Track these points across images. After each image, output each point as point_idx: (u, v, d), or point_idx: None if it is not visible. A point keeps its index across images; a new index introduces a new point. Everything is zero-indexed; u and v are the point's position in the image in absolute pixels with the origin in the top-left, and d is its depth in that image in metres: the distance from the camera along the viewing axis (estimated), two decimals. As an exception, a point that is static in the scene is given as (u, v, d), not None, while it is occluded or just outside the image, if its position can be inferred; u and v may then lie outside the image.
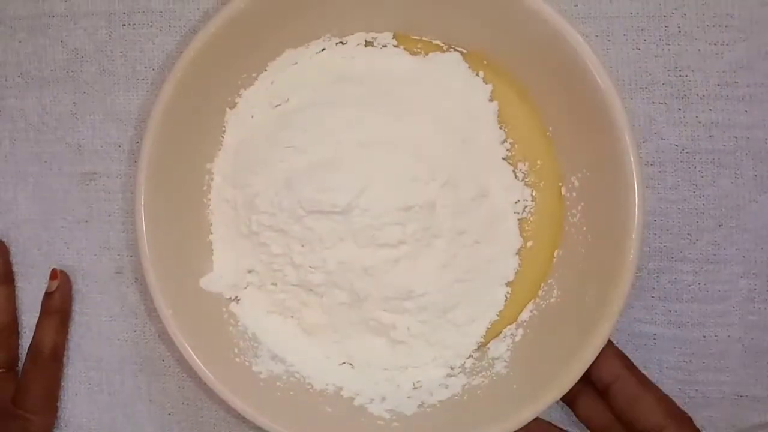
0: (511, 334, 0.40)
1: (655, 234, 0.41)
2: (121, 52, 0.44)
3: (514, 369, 0.38)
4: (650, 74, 0.40)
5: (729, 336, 0.40)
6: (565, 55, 0.34)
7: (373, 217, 0.37)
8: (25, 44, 0.45)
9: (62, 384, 0.45)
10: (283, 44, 0.39)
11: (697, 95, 0.40)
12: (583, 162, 0.37)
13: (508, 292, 0.40)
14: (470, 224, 0.38)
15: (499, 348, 0.39)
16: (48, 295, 0.44)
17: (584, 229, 0.38)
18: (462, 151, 0.38)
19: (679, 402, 0.40)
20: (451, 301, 0.39)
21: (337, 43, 0.40)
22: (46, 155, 0.46)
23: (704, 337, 0.41)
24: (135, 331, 0.45)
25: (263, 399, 0.37)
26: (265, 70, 0.40)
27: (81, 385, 0.46)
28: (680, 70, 0.40)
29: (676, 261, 0.41)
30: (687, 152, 0.40)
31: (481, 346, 0.40)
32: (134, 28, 0.44)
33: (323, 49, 0.40)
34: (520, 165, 0.40)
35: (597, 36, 0.40)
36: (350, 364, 0.41)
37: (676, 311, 0.41)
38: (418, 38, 0.40)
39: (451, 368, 0.40)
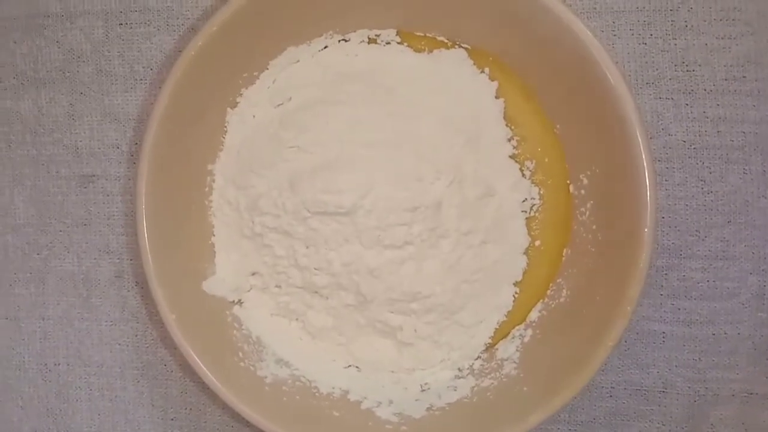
0: (520, 335, 0.39)
1: (663, 231, 0.40)
2: (118, 52, 0.44)
3: (523, 370, 0.37)
4: (657, 69, 0.40)
5: (739, 333, 0.40)
6: (573, 51, 0.34)
7: (378, 218, 0.36)
8: (20, 45, 0.45)
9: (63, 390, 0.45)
10: (285, 42, 0.39)
11: (705, 90, 0.40)
12: (591, 159, 0.37)
13: (516, 292, 0.39)
14: (477, 224, 0.38)
15: (508, 349, 0.39)
16: None
17: (594, 227, 0.37)
18: (468, 149, 0.38)
19: (689, 400, 0.40)
20: (458, 302, 0.38)
21: (339, 41, 0.39)
22: (43, 158, 0.45)
23: (714, 334, 0.40)
24: (136, 336, 0.44)
25: (269, 404, 0.37)
26: (267, 68, 0.39)
27: (81, 391, 0.45)
28: (687, 65, 0.40)
29: (684, 258, 0.40)
30: (695, 148, 0.40)
31: (490, 348, 0.40)
32: (131, 28, 0.43)
33: (325, 47, 0.39)
34: (527, 163, 0.39)
35: (602, 31, 0.40)
36: (356, 367, 0.40)
37: (685, 309, 0.40)
38: (422, 35, 0.39)
39: (459, 370, 0.39)
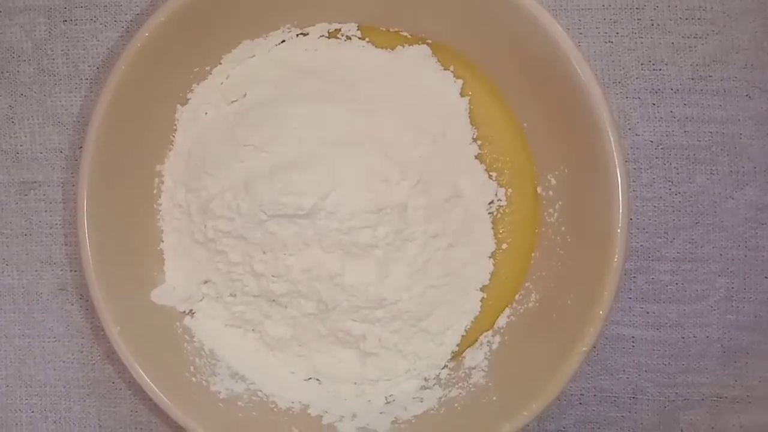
0: (488, 342, 0.38)
1: (632, 233, 0.40)
2: (62, 50, 0.42)
3: (492, 379, 0.36)
4: (623, 68, 0.40)
5: (707, 336, 0.40)
6: (542, 46, 0.33)
7: (340, 221, 0.35)
8: (-45, 43, 0.42)
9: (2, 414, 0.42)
10: (240, 35, 0.37)
11: (671, 89, 0.40)
12: (560, 159, 0.36)
13: (483, 297, 0.38)
14: (444, 226, 0.37)
15: (476, 357, 0.38)
16: None
17: (563, 229, 0.36)
18: (433, 150, 0.37)
19: (659, 406, 0.40)
20: (425, 308, 0.37)
21: (297, 35, 0.38)
22: (-20, 164, 0.43)
23: (683, 338, 0.40)
24: (81, 352, 0.42)
25: (224, 421, 0.36)
26: (220, 63, 0.38)
27: (22, 413, 0.43)
28: (654, 64, 0.40)
29: (652, 260, 0.40)
30: (662, 148, 0.40)
31: (457, 356, 0.39)
32: (76, 24, 0.42)
33: (283, 41, 0.38)
34: (493, 163, 0.38)
35: (569, 29, 0.39)
36: (317, 380, 0.39)
37: (654, 312, 0.40)
38: (385, 29, 0.38)
39: (426, 380, 0.38)
